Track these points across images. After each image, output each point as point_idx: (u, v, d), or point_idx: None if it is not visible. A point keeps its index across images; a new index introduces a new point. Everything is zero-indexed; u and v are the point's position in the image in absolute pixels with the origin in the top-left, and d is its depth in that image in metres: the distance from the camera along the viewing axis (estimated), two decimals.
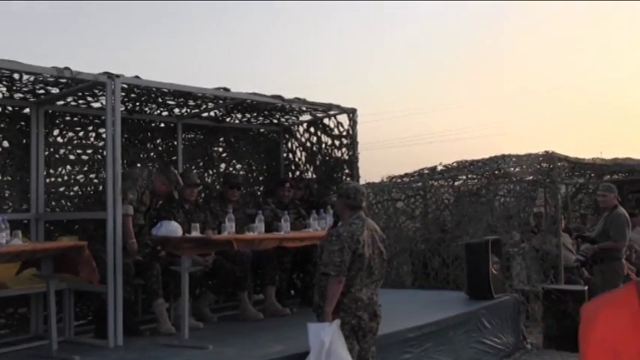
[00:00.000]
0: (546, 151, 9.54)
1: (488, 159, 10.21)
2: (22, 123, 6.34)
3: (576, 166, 10.84)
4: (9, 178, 6.25)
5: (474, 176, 10.89)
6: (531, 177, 10.03)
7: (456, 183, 10.61)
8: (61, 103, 6.55)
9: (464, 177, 10.63)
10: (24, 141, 6.31)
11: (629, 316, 3.47)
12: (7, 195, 6.24)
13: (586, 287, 8.16)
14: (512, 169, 9.99)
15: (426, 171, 10.76)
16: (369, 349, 4.95)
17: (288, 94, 7.20)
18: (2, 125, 6.24)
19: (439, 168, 10.64)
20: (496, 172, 10.19)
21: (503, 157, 10.13)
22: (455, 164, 10.58)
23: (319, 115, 8.21)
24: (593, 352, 3.55)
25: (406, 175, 11.09)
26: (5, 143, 6.26)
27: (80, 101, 6.57)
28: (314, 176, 8.55)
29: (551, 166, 9.54)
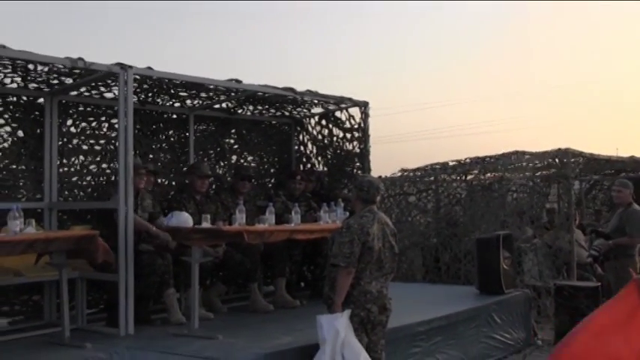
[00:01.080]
0: (559, 148, 9.49)
1: (500, 155, 10.17)
2: (37, 113, 6.39)
3: (591, 162, 10.76)
4: (23, 168, 6.30)
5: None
6: (544, 172, 9.99)
7: (468, 177, 10.56)
8: (75, 93, 6.60)
9: (476, 171, 10.58)
10: (38, 131, 6.37)
11: (627, 312, 3.48)
12: (21, 184, 6.30)
13: (599, 284, 8.12)
14: (525, 164, 9.95)
15: (438, 166, 10.73)
16: (378, 341, 4.97)
17: (301, 87, 7.22)
18: (17, 115, 6.29)
19: (451, 164, 10.61)
20: (509, 166, 10.14)
21: (517, 153, 10.08)
22: (468, 160, 10.55)
23: (331, 107, 8.22)
24: (586, 344, 3.57)
25: (418, 169, 11.07)
26: (20, 133, 6.31)
27: (93, 92, 6.61)
28: (325, 169, 8.56)
29: (564, 162, 9.49)
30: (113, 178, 6.60)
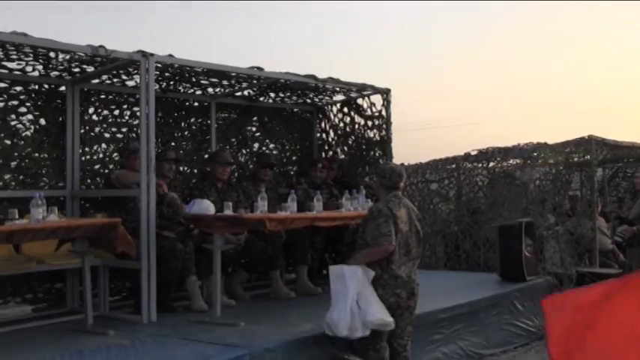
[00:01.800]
0: (582, 136, 9.39)
1: (523, 145, 10.07)
2: (59, 101, 6.42)
3: (614, 149, 10.65)
4: (45, 156, 6.35)
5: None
6: (568, 160, 9.89)
7: (490, 165, 10.48)
8: (96, 81, 6.62)
9: (498, 159, 10.49)
10: (60, 119, 6.40)
11: (637, 301, 3.45)
12: (43, 172, 6.34)
13: (621, 271, 8.05)
14: (548, 152, 9.86)
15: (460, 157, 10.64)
16: (405, 328, 4.97)
17: (323, 74, 7.20)
18: (39, 103, 6.33)
19: (473, 153, 10.53)
20: (532, 154, 10.05)
21: (539, 144, 9.97)
22: (490, 149, 10.46)
23: (353, 95, 8.18)
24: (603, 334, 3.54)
25: (439, 160, 10.99)
26: (42, 121, 6.35)
27: (115, 80, 6.63)
28: (347, 157, 8.54)
29: (588, 149, 9.40)
30: None
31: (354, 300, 4.70)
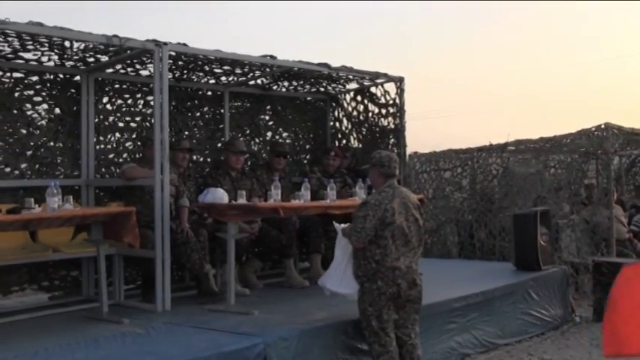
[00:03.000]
0: (599, 124, 9.29)
1: (538, 139, 9.98)
2: (73, 90, 6.45)
3: (631, 137, 10.54)
4: (60, 145, 6.38)
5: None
6: (583, 148, 9.80)
7: (504, 154, 10.42)
8: (111, 70, 6.64)
9: (513, 148, 10.43)
10: (75, 108, 6.43)
11: None
12: (58, 161, 6.38)
13: (638, 260, 7.99)
14: (564, 140, 9.77)
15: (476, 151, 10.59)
16: (409, 317, 4.93)
17: (337, 62, 7.17)
18: (54, 92, 6.36)
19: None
20: (547, 143, 9.97)
21: (555, 137, 9.87)
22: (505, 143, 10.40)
23: (366, 83, 8.15)
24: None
25: (454, 150, 10.94)
26: (57, 110, 6.38)
27: (129, 69, 6.65)
28: (360, 145, 8.51)
29: (604, 137, 9.30)
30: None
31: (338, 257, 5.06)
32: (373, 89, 8.24)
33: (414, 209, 4.96)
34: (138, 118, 6.92)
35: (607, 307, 4.01)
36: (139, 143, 6.82)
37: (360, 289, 4.87)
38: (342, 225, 5.12)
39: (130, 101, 6.87)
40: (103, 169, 6.68)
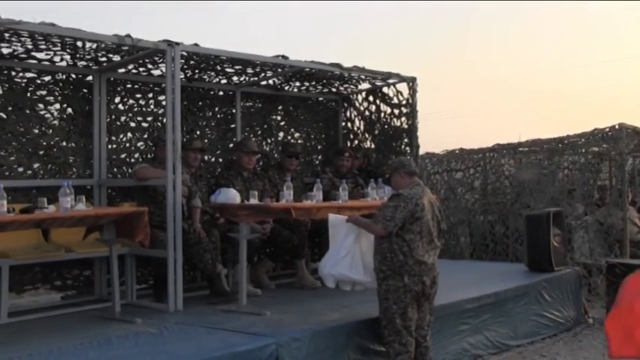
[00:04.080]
0: (613, 125, 9.23)
1: (551, 139, 9.93)
2: (85, 90, 6.46)
3: None
4: (73, 145, 6.40)
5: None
6: (597, 148, 9.74)
7: (517, 155, 10.37)
8: (123, 70, 6.66)
9: (526, 148, 10.38)
10: (87, 108, 6.44)
11: None
12: (71, 161, 6.39)
13: None
14: (577, 141, 9.72)
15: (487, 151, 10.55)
16: (425, 317, 4.96)
17: (350, 63, 7.16)
18: (66, 92, 6.37)
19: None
20: (559, 145, 9.91)
21: (568, 137, 9.82)
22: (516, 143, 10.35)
23: (378, 83, 8.13)
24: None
25: (466, 151, 10.90)
26: (69, 110, 6.40)
27: (141, 69, 6.66)
28: (372, 146, 8.49)
29: (618, 138, 9.23)
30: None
31: (345, 244, 5.17)
32: (385, 89, 8.22)
33: (437, 211, 5.06)
34: (150, 118, 6.93)
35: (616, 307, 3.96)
36: (150, 143, 6.82)
37: (382, 286, 4.87)
38: (339, 216, 5.31)
39: (141, 101, 6.88)
40: (115, 169, 6.69)
